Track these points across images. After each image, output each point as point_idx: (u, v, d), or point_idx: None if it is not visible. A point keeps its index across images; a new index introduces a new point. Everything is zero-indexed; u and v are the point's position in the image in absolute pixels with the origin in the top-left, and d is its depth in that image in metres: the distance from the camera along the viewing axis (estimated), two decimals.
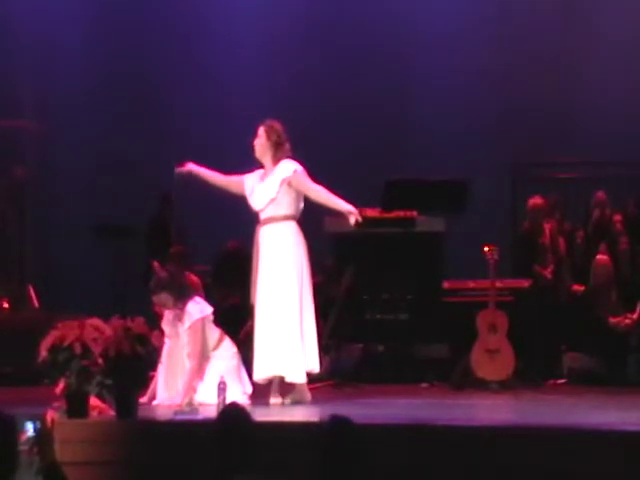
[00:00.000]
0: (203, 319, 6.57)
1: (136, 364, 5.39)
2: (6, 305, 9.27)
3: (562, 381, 8.30)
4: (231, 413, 4.13)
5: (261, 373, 6.42)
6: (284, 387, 6.46)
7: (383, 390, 7.57)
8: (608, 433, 5.06)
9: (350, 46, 10.48)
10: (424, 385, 7.89)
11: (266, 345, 6.37)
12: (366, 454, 4.01)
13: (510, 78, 10.30)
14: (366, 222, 8.26)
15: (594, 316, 8.37)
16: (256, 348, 6.44)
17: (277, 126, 6.57)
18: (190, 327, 6.53)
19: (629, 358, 8.23)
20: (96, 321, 5.45)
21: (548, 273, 8.60)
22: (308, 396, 6.50)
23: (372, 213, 8.86)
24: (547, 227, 8.82)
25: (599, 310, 8.42)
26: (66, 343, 5.33)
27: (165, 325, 6.60)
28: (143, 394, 6.27)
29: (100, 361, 5.34)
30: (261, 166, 6.66)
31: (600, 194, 9.24)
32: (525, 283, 8.39)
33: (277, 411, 6.22)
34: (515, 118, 10.24)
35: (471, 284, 8.37)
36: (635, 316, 8.36)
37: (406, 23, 10.50)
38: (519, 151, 10.02)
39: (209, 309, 6.65)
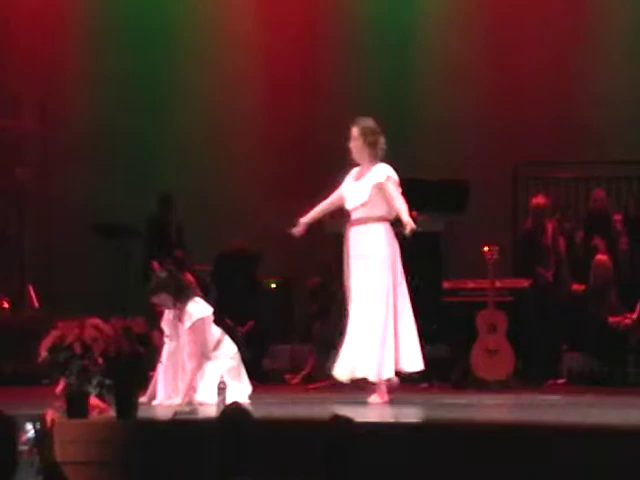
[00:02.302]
0: (203, 319, 6.57)
1: (136, 364, 5.39)
2: (6, 305, 9.28)
3: (562, 381, 8.31)
4: (232, 413, 4.13)
5: (345, 374, 6.42)
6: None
7: None
8: (607, 433, 5.06)
9: (348, 45, 10.48)
10: (424, 385, 7.89)
11: (354, 346, 6.35)
12: (367, 454, 4.01)
13: (511, 78, 10.29)
14: None
15: (594, 316, 8.37)
16: (347, 347, 6.38)
17: (370, 124, 6.50)
18: (190, 327, 6.52)
19: (629, 358, 8.23)
20: (96, 321, 5.45)
21: (550, 274, 8.59)
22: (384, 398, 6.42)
23: None
24: (549, 227, 8.83)
25: (599, 310, 8.42)
26: (66, 343, 5.33)
27: (165, 325, 6.60)
28: (143, 394, 6.28)
29: (100, 361, 5.34)
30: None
31: (599, 192, 9.25)
32: (525, 283, 8.39)
33: (279, 410, 6.22)
34: (515, 118, 10.24)
35: (471, 284, 8.37)
36: (635, 316, 8.36)
37: (406, 24, 10.50)
38: (519, 151, 10.02)
39: (209, 309, 6.65)
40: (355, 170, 6.57)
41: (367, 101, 10.25)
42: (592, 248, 8.79)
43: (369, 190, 6.41)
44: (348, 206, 6.49)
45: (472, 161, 9.78)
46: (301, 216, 6.61)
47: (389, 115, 10.28)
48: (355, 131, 6.49)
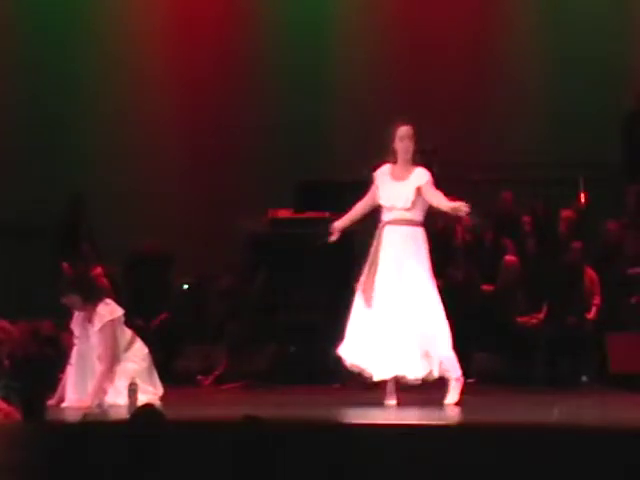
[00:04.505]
0: (114, 320, 6.52)
1: (44, 366, 5.32)
2: None
3: (471, 380, 8.43)
4: (143, 415, 4.11)
5: (383, 374, 6.42)
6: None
7: (295, 391, 7.59)
8: (514, 430, 5.16)
9: (263, 43, 10.50)
10: (336, 386, 7.93)
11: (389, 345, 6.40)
12: (277, 454, 4.02)
13: (422, 78, 10.41)
14: (278, 223, 8.26)
15: (502, 316, 8.52)
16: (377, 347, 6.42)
17: None
18: (101, 329, 6.47)
19: (536, 357, 8.39)
20: (2, 323, 5.37)
21: (459, 274, 8.72)
22: None
23: (284, 214, 8.90)
24: (459, 228, 8.95)
25: (507, 310, 8.56)
26: None
27: (74, 326, 6.53)
28: (52, 396, 6.19)
29: (7, 363, 5.25)
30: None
31: (506, 194, 9.43)
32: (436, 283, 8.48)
33: (191, 411, 6.20)
34: (427, 119, 10.34)
35: None
36: (541, 316, 8.52)
37: (321, 22, 10.56)
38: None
39: (120, 310, 6.60)
40: (388, 168, 6.55)
41: (273, 106, 10.28)
42: (501, 249, 8.95)
43: (414, 193, 6.44)
44: (386, 204, 6.48)
45: (384, 162, 9.85)
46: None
47: (306, 117, 10.35)
48: (410, 130, 6.55)
